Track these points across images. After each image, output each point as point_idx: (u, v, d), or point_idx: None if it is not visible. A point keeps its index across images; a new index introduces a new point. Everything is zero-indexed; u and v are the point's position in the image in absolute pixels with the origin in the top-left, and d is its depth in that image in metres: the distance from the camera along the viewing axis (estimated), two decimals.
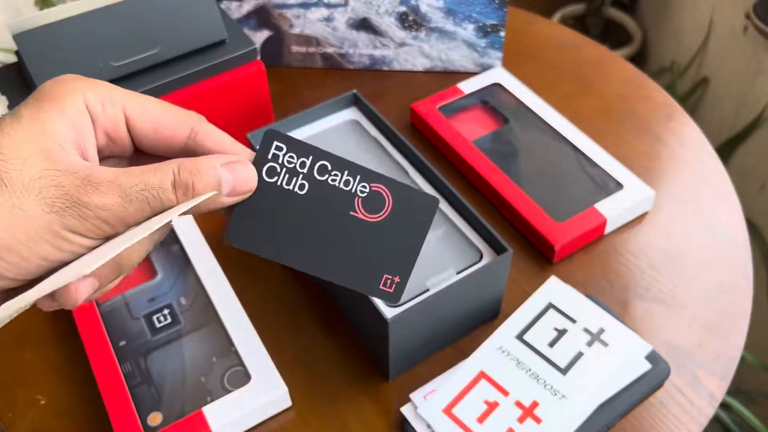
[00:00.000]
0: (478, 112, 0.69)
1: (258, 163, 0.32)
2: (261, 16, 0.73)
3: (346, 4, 0.71)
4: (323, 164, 0.32)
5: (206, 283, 0.54)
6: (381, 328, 0.46)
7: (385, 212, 0.33)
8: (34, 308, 0.57)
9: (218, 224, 0.61)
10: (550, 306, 0.52)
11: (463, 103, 0.69)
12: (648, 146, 0.67)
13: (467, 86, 0.70)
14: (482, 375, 0.48)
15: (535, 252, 0.58)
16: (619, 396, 0.48)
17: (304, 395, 0.50)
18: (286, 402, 0.49)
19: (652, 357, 0.50)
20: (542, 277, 0.55)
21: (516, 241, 0.59)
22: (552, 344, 0.50)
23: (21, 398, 0.51)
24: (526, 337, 0.51)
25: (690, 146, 0.67)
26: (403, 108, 0.71)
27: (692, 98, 1.30)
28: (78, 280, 0.29)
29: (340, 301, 0.54)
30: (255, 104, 0.65)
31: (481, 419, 0.46)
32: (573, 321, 0.51)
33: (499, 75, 0.72)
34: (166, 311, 0.53)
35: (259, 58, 0.63)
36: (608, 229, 0.59)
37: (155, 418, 0.47)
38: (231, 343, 0.50)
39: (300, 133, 0.60)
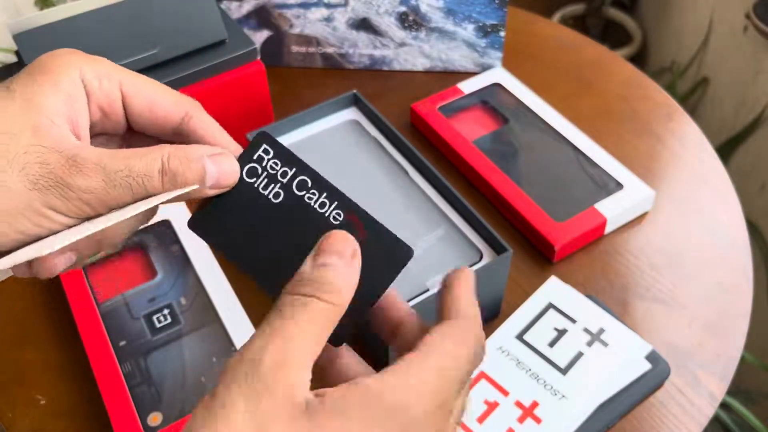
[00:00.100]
0: (478, 112, 0.69)
1: (242, 160, 0.32)
2: (261, 16, 0.73)
3: (346, 4, 0.71)
4: (303, 179, 0.31)
5: (206, 283, 0.54)
6: None
7: None
8: (34, 308, 0.57)
9: None
10: (550, 306, 0.52)
11: (463, 103, 0.69)
12: (648, 146, 0.67)
13: (467, 86, 0.70)
14: (482, 375, 0.48)
15: (535, 252, 0.58)
16: (619, 396, 0.48)
17: None
18: None
19: (652, 357, 0.50)
20: (542, 277, 0.55)
21: (516, 241, 0.59)
22: (552, 344, 0.50)
23: (21, 398, 0.51)
24: (526, 337, 0.51)
25: (690, 146, 0.67)
26: (403, 108, 0.71)
27: (692, 98, 1.31)
28: (56, 253, 0.30)
29: None
30: (255, 104, 0.65)
31: (481, 419, 0.46)
32: (573, 321, 0.51)
33: (499, 75, 0.72)
34: (166, 311, 0.53)
35: (259, 58, 0.63)
36: (608, 229, 0.59)
37: (155, 418, 0.47)
38: (231, 343, 0.50)
39: (300, 133, 0.60)
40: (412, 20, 0.72)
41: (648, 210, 0.61)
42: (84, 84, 0.31)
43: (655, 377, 0.49)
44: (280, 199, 0.31)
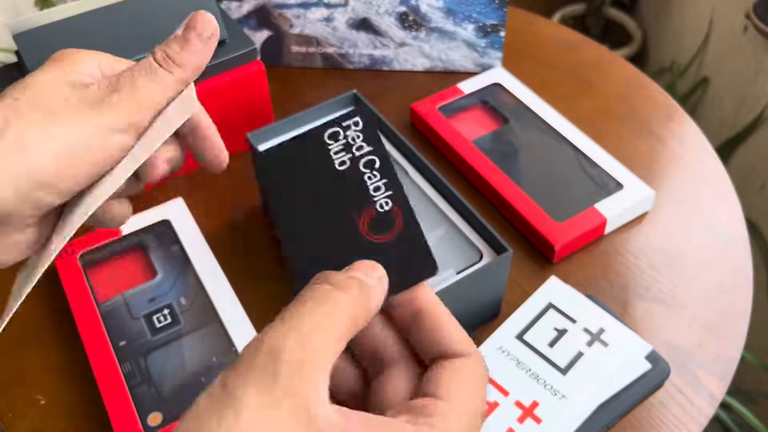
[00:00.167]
0: (478, 112, 0.69)
1: (332, 122, 0.32)
2: (261, 16, 0.73)
3: (346, 4, 0.71)
4: (372, 159, 0.31)
5: (206, 283, 0.54)
6: None
7: (382, 239, 0.30)
8: (34, 308, 0.57)
9: (218, 224, 0.61)
10: (550, 306, 0.52)
11: (463, 103, 0.69)
12: (648, 146, 0.67)
13: (467, 86, 0.70)
14: None
15: (535, 252, 0.58)
16: (619, 396, 0.48)
17: None
18: None
19: (652, 357, 0.50)
20: (542, 277, 0.55)
21: (516, 241, 0.59)
22: (552, 344, 0.50)
23: (21, 398, 0.51)
24: (526, 337, 0.50)
25: (690, 146, 0.67)
26: (403, 108, 0.71)
27: (692, 98, 1.31)
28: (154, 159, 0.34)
29: None
30: (255, 104, 0.65)
31: None
32: (573, 321, 0.51)
33: (499, 75, 0.72)
34: (166, 311, 0.53)
35: (259, 58, 0.63)
36: (608, 229, 0.59)
37: (155, 418, 0.47)
38: (231, 343, 0.50)
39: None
40: (412, 20, 0.72)
41: (648, 210, 0.61)
42: (101, 70, 0.34)
43: (655, 377, 0.49)
44: (344, 167, 0.32)
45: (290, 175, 0.32)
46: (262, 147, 0.57)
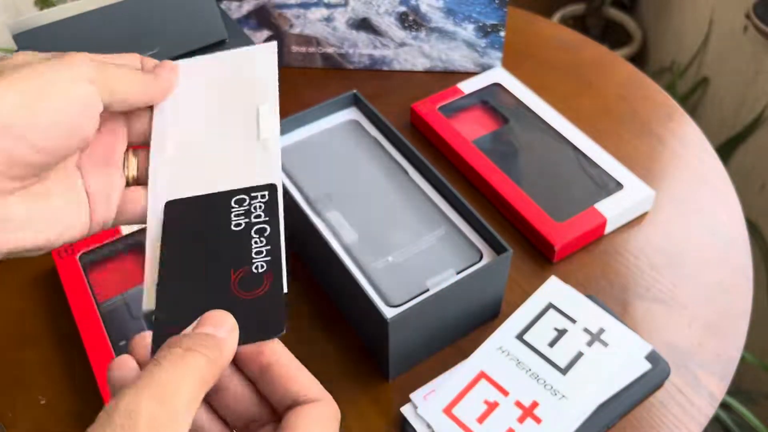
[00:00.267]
0: (478, 112, 0.69)
1: (241, 190, 0.35)
2: (261, 16, 0.73)
3: (346, 4, 0.71)
4: (264, 228, 0.33)
5: None
6: (381, 328, 0.46)
7: (246, 295, 0.32)
8: (34, 308, 0.57)
9: None
10: (550, 306, 0.52)
11: (463, 103, 0.69)
12: (648, 146, 0.67)
13: (467, 86, 0.70)
14: (482, 375, 0.49)
15: (535, 252, 0.58)
16: (619, 396, 0.48)
17: None
18: None
19: (652, 357, 0.50)
20: (542, 277, 0.55)
21: (516, 241, 0.59)
22: (552, 344, 0.50)
23: (21, 398, 0.51)
24: (526, 337, 0.51)
25: (690, 146, 0.67)
26: (403, 108, 0.71)
27: (692, 98, 1.31)
28: None
29: (340, 301, 0.54)
30: None
31: (481, 419, 0.46)
32: (573, 321, 0.51)
33: (499, 75, 0.72)
34: None
35: None
36: (608, 229, 0.59)
37: None
38: None
39: (300, 133, 0.60)
40: (412, 20, 0.72)
41: (648, 210, 0.61)
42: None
43: (655, 377, 0.49)
44: (238, 229, 0.33)
45: (187, 222, 0.34)
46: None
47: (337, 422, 0.30)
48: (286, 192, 0.53)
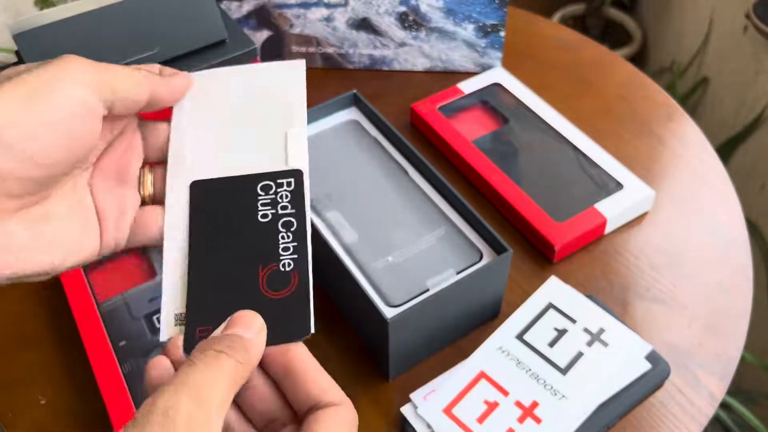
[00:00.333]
0: (478, 112, 0.69)
1: (267, 175, 0.34)
2: (261, 16, 0.73)
3: (346, 4, 0.71)
4: (291, 221, 0.33)
5: None
6: (381, 328, 0.46)
7: (275, 295, 0.31)
8: (34, 309, 0.57)
9: None
10: (550, 306, 0.52)
11: (463, 103, 0.69)
12: (648, 146, 0.67)
13: (467, 86, 0.70)
14: (482, 375, 0.49)
15: (535, 252, 0.58)
16: (619, 396, 0.48)
17: None
18: None
19: (652, 357, 0.50)
20: (542, 277, 0.55)
21: (516, 241, 0.59)
22: (552, 344, 0.50)
23: (21, 398, 0.51)
24: (526, 337, 0.51)
25: (690, 146, 0.67)
26: (403, 108, 0.71)
27: (692, 98, 1.31)
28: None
29: (340, 301, 0.54)
30: None
31: (481, 419, 0.46)
32: (573, 321, 0.51)
33: (499, 75, 0.72)
34: None
35: (259, 58, 0.63)
36: (608, 229, 0.59)
37: None
38: None
39: None
40: (412, 20, 0.72)
41: (648, 210, 0.61)
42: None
43: (655, 377, 0.49)
44: (265, 221, 0.33)
45: (214, 209, 0.33)
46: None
47: (355, 427, 0.30)
48: None
